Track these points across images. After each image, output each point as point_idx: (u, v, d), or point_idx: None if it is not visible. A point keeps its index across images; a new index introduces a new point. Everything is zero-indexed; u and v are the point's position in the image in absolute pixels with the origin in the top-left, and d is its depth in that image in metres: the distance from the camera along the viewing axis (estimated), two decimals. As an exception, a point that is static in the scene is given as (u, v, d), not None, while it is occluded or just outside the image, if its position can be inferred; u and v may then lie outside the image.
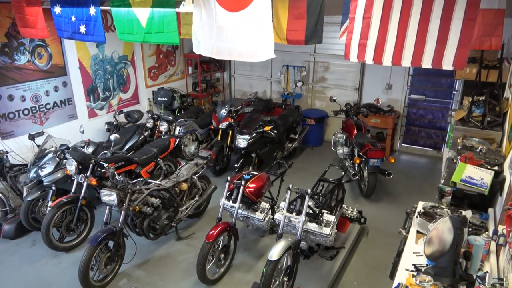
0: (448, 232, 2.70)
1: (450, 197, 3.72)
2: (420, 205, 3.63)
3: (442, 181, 4.11)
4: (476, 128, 4.82)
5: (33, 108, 5.70)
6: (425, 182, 6.59)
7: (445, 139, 7.55)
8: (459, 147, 4.41)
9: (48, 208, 4.67)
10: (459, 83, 7.02)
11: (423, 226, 3.29)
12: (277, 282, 3.61)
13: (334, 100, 6.82)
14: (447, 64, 2.84)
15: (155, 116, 6.72)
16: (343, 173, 4.91)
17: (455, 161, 4.15)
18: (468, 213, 3.40)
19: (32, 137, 5.48)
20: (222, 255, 4.24)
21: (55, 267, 4.50)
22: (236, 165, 6.06)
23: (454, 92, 7.26)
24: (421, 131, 7.89)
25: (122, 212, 4.09)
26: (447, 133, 7.34)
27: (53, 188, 4.90)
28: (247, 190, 4.20)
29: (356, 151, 6.00)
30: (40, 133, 5.66)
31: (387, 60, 2.99)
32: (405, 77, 7.48)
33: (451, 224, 2.70)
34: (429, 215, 3.39)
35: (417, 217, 3.43)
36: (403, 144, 8.09)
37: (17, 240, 4.99)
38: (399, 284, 2.57)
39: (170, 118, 6.63)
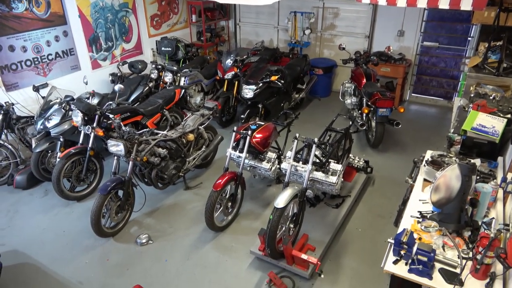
0: (456, 179, 2.68)
1: (459, 146, 3.67)
2: (428, 154, 3.60)
3: (452, 130, 4.04)
4: (491, 75, 4.64)
5: (35, 59, 5.60)
6: (434, 132, 6.51)
7: (457, 89, 7.35)
8: (472, 95, 4.28)
9: (57, 159, 4.73)
10: (475, 28, 6.70)
11: (431, 174, 3.28)
12: (284, 229, 3.69)
13: (344, 48, 6.58)
14: (466, 5, 2.67)
15: (159, 66, 6.59)
16: (350, 122, 4.85)
17: (466, 109, 4.05)
18: (477, 162, 3.37)
19: (36, 89, 5.44)
20: (230, 204, 4.33)
21: (68, 215, 4.64)
22: (242, 116, 6.01)
23: (469, 38, 6.94)
24: (432, 81, 7.66)
25: (130, 162, 4.13)
26: (459, 82, 7.13)
27: (61, 139, 4.93)
28: (253, 140, 4.19)
29: (364, 100, 5.88)
30: (44, 85, 5.62)
31: (401, 0, 2.81)
32: (419, 23, 7.14)
33: (459, 171, 2.68)
34: (437, 164, 3.37)
35: (424, 165, 3.41)
36: (413, 94, 7.91)
37: (29, 190, 5.12)
38: (404, 229, 2.60)
39: (175, 68, 6.49)
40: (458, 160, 3.35)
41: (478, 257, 2.29)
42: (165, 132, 4.60)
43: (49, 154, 5.03)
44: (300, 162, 3.83)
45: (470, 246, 2.55)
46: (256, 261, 3.90)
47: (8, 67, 5.28)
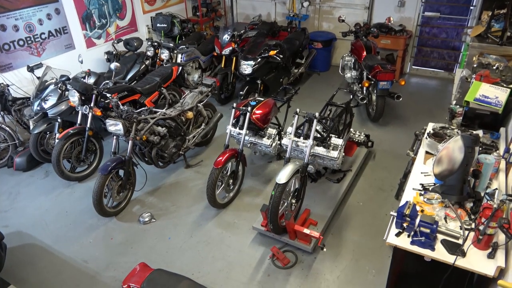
0: (458, 151, 2.66)
1: (461, 118, 3.63)
2: (430, 126, 3.57)
3: (454, 102, 3.99)
4: (494, 44, 4.54)
5: (28, 39, 5.47)
6: (435, 105, 6.46)
7: (458, 60, 7.24)
8: (475, 65, 4.20)
9: (56, 140, 4.69)
10: (478, -3, 6.53)
11: (433, 146, 3.26)
12: (285, 204, 3.70)
13: (343, 21, 6.43)
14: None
15: (155, 43, 6.45)
16: (351, 96, 4.79)
17: (469, 80, 3.98)
18: (479, 133, 3.34)
19: (31, 69, 5.34)
20: (231, 181, 4.33)
21: (69, 196, 4.65)
22: (241, 92, 5.92)
23: (471, 7, 6.78)
24: (433, 52, 7.53)
25: (130, 142, 4.10)
26: (461, 53, 7.02)
27: (59, 120, 4.88)
28: (253, 116, 4.14)
29: (365, 74, 5.79)
30: (39, 65, 5.51)
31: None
32: (420, -8, 6.96)
33: (462, 143, 2.65)
34: (439, 136, 3.34)
35: (426, 138, 3.38)
36: (413, 66, 7.79)
37: (30, 172, 5.11)
38: (406, 202, 2.60)
39: (171, 45, 6.36)
40: (460, 132, 3.32)
41: (481, 227, 2.30)
42: (163, 111, 4.54)
43: (47, 135, 4.99)
44: (301, 138, 3.80)
45: (473, 217, 2.56)
46: (259, 236, 3.93)
47: (1, 48, 5.16)
